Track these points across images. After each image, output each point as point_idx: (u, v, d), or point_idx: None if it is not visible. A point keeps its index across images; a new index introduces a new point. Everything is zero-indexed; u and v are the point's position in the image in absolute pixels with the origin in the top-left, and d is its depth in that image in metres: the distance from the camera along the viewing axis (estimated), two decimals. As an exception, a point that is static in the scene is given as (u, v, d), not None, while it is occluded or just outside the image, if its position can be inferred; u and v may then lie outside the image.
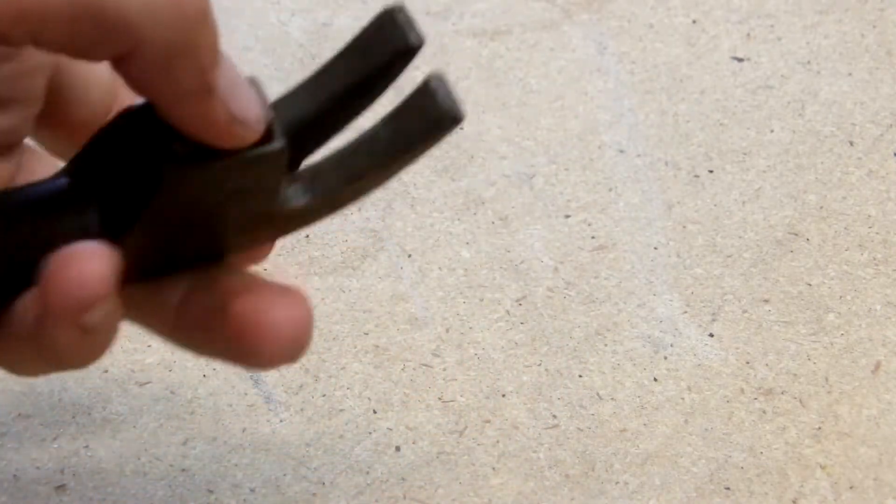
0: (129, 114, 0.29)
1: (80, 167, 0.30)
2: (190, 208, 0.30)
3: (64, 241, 0.28)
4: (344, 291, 0.50)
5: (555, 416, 0.47)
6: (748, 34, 0.59)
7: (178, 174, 0.28)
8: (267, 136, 0.29)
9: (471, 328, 0.49)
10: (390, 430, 0.46)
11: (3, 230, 0.29)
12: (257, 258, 0.35)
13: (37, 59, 0.31)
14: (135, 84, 0.27)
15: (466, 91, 0.57)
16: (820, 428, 0.46)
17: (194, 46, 0.27)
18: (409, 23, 0.31)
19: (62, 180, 0.30)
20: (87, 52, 0.26)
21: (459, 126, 0.30)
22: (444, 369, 0.48)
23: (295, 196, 0.31)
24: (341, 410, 0.47)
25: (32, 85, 0.32)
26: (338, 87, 0.31)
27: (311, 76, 0.31)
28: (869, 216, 0.53)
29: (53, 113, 0.33)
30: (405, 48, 0.31)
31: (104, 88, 0.34)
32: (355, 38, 0.31)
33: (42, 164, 0.34)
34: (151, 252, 0.30)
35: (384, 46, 0.31)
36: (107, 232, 0.29)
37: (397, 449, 0.46)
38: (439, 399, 0.47)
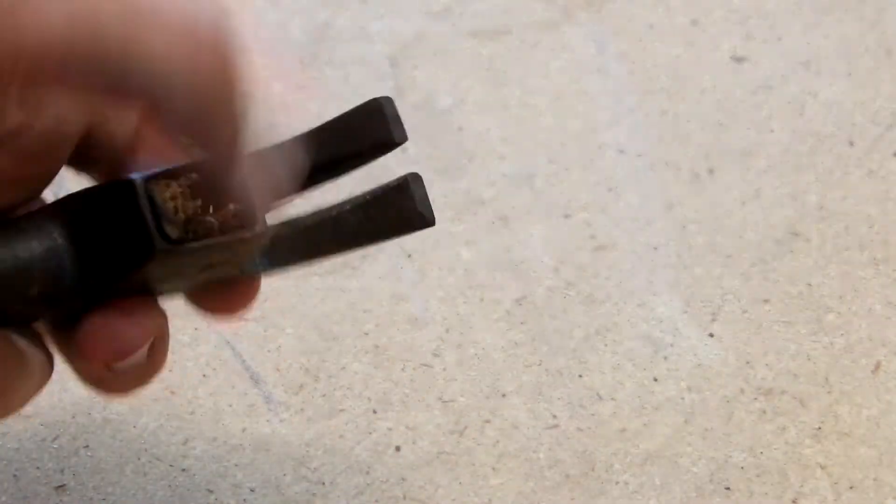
0: (119, 184, 0.29)
1: (66, 215, 0.30)
2: (163, 278, 0.30)
3: (39, 282, 0.29)
4: (344, 291, 0.50)
5: (555, 416, 0.47)
6: (748, 34, 0.59)
7: (167, 253, 0.29)
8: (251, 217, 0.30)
9: (471, 328, 0.49)
10: (390, 430, 0.46)
11: None
12: (237, 305, 0.34)
13: (68, 119, 0.30)
14: (170, 127, 0.26)
15: (466, 91, 0.57)
16: (820, 428, 0.46)
17: (222, 69, 0.26)
18: (396, 118, 0.31)
19: (44, 226, 0.30)
20: (115, 95, 0.25)
21: (430, 227, 0.31)
22: (444, 369, 0.48)
23: (254, 264, 0.32)
24: (341, 410, 0.47)
25: (61, 143, 0.31)
26: (311, 160, 0.31)
27: (287, 142, 0.32)
28: (869, 216, 0.53)
29: (88, 156, 0.32)
30: (387, 143, 0.31)
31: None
32: (339, 117, 0.31)
33: None
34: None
35: (366, 135, 0.31)
36: (78, 284, 0.29)
37: (397, 449, 0.46)
38: (439, 399, 0.47)
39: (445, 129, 0.56)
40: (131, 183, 0.29)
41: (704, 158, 0.55)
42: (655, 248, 0.52)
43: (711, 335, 0.49)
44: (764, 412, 0.47)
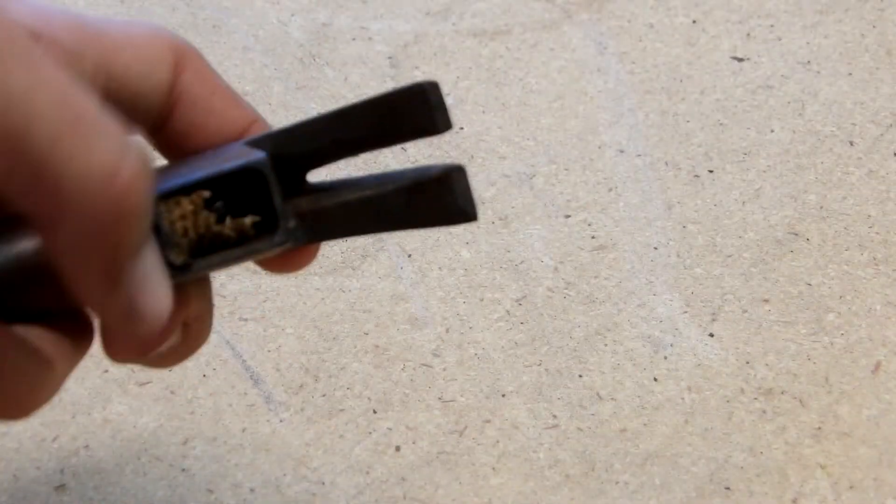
0: None
1: None
2: (195, 280, 0.31)
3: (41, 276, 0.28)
4: (344, 291, 0.50)
5: (555, 416, 0.47)
6: (748, 34, 0.59)
7: (175, 278, 0.29)
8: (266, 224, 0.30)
9: (471, 328, 0.49)
10: (390, 430, 0.46)
11: None
12: (299, 264, 0.34)
13: None
14: (49, 248, 0.26)
15: (466, 91, 0.57)
16: (820, 428, 0.46)
17: (116, 237, 0.25)
18: (441, 105, 0.31)
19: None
20: (15, 197, 0.24)
21: (473, 222, 0.31)
22: (444, 369, 0.48)
23: (289, 239, 0.31)
24: (341, 410, 0.47)
25: None
26: (349, 136, 0.31)
27: (327, 115, 0.31)
28: (869, 216, 0.53)
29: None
30: (429, 130, 0.31)
31: (160, 80, 0.32)
32: (383, 97, 0.31)
33: None
34: None
35: (409, 120, 0.31)
36: None
37: (397, 449, 0.46)
38: (439, 399, 0.47)
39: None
40: None
41: (704, 158, 0.55)
42: (655, 248, 0.52)
43: (711, 335, 0.49)
44: (764, 412, 0.47)
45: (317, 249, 0.33)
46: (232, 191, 0.29)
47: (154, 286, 0.27)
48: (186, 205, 0.29)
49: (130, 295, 0.26)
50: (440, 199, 0.30)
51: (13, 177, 0.24)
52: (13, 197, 0.25)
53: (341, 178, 0.32)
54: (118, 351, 0.29)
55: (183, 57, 0.31)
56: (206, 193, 0.29)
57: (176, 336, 0.30)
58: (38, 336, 0.28)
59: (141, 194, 0.25)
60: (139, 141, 0.26)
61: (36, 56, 0.23)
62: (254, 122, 0.32)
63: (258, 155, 0.29)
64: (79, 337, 0.30)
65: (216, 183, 0.29)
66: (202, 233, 0.29)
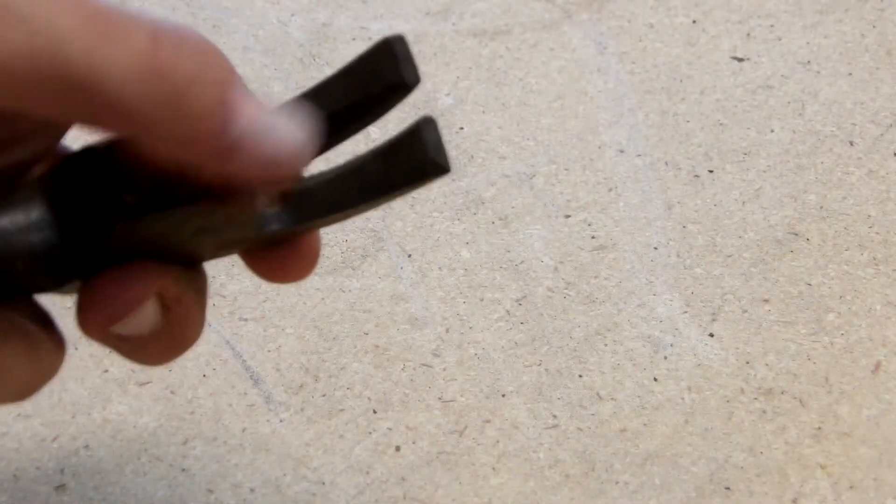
0: (92, 150, 0.29)
1: (51, 186, 0.29)
2: (150, 244, 0.29)
3: (24, 255, 0.28)
4: (344, 291, 0.50)
5: (555, 416, 0.47)
6: (748, 34, 0.59)
7: (129, 225, 0.28)
8: None
9: (471, 328, 0.49)
10: (390, 430, 0.46)
11: None
12: (300, 270, 0.33)
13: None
14: (157, 157, 0.25)
15: (466, 91, 0.57)
16: (820, 428, 0.46)
17: (194, 115, 0.25)
18: (407, 57, 0.30)
19: (34, 196, 0.29)
20: (88, 123, 0.24)
21: (446, 175, 0.30)
22: (444, 369, 0.48)
23: (273, 221, 0.31)
24: (341, 410, 0.47)
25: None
26: (326, 111, 0.30)
27: (302, 94, 0.31)
28: (869, 216, 0.53)
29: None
30: (398, 84, 0.30)
31: None
32: (351, 62, 0.30)
33: None
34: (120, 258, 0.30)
35: (377, 78, 0.30)
36: (68, 255, 0.29)
37: (397, 449, 0.46)
38: (439, 399, 0.47)
39: (445, 129, 0.56)
40: (98, 148, 0.28)
41: (704, 158, 0.55)
42: (655, 248, 0.52)
43: (711, 335, 0.49)
44: (764, 412, 0.47)
45: (313, 254, 0.32)
46: None
47: (274, 124, 0.26)
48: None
49: (256, 147, 0.26)
50: (413, 155, 0.30)
51: (69, 105, 0.24)
52: (83, 124, 0.24)
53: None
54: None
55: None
56: None
57: (153, 315, 0.29)
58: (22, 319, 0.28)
59: (187, 60, 0.24)
60: (174, 22, 0.25)
61: None
62: None
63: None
64: (51, 332, 0.30)
65: None
66: (161, 182, 0.28)
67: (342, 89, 0.30)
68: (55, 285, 0.30)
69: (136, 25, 0.24)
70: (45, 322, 0.30)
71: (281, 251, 0.31)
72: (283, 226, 0.31)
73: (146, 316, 0.29)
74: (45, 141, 0.29)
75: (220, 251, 0.32)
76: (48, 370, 0.29)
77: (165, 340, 0.30)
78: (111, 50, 0.24)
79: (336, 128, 0.30)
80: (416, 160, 0.29)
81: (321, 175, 0.31)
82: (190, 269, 0.31)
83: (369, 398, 0.47)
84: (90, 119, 0.24)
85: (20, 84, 0.23)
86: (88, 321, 0.29)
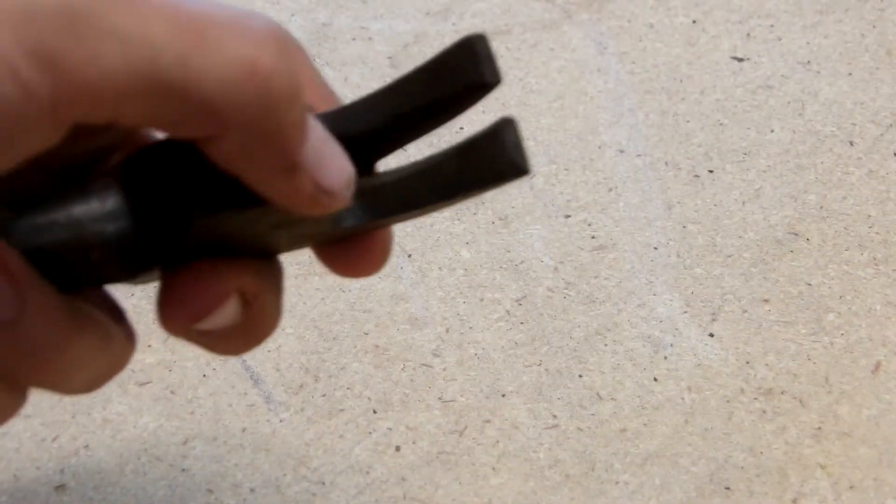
0: (173, 143, 0.29)
1: (128, 176, 0.29)
2: (227, 237, 0.29)
3: (102, 246, 0.28)
4: (344, 291, 0.50)
5: (555, 416, 0.47)
6: (748, 34, 0.59)
7: (208, 218, 0.28)
8: None
9: (471, 328, 0.49)
10: (390, 430, 0.46)
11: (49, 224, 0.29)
12: (369, 266, 0.33)
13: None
14: (221, 161, 0.26)
15: (466, 91, 0.57)
16: (820, 428, 0.46)
17: (279, 128, 0.25)
18: (489, 57, 0.30)
19: (111, 185, 0.29)
20: (172, 130, 0.25)
21: (525, 176, 0.30)
22: (444, 369, 0.48)
23: (347, 216, 0.31)
24: (341, 410, 0.47)
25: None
26: (405, 107, 0.30)
27: (382, 89, 0.31)
28: (869, 216, 0.53)
29: None
30: (479, 84, 0.30)
31: None
32: (433, 59, 0.30)
33: None
34: (197, 254, 0.30)
35: (457, 77, 0.30)
36: (143, 245, 0.29)
37: (397, 449, 0.46)
38: (439, 399, 0.47)
39: (445, 128, 0.56)
40: (177, 141, 0.28)
41: (704, 158, 0.55)
42: (655, 248, 0.52)
43: (711, 335, 0.49)
44: (764, 412, 0.47)
45: (384, 250, 0.32)
46: None
47: (331, 157, 0.27)
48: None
49: (312, 172, 0.26)
50: (491, 154, 0.30)
51: (159, 113, 0.24)
52: (166, 130, 0.25)
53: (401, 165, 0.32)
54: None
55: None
56: None
57: (234, 311, 0.29)
58: (62, 298, 0.28)
59: (285, 75, 0.25)
60: (266, 20, 0.26)
61: None
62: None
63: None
64: (121, 321, 0.30)
65: None
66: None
67: (421, 86, 0.30)
68: (129, 276, 0.29)
69: (235, 32, 0.24)
70: (117, 313, 0.30)
71: (353, 246, 0.32)
72: (357, 222, 0.31)
73: (228, 312, 0.29)
74: (124, 129, 0.30)
75: (295, 245, 0.32)
76: (119, 362, 0.29)
77: (245, 333, 0.30)
78: (206, 59, 0.24)
79: (412, 125, 0.31)
80: (495, 161, 0.29)
81: (396, 172, 0.31)
82: (266, 262, 0.31)
83: (369, 398, 0.47)
84: (177, 126, 0.25)
85: (114, 98, 0.23)
86: (172, 319, 0.29)
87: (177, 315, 0.29)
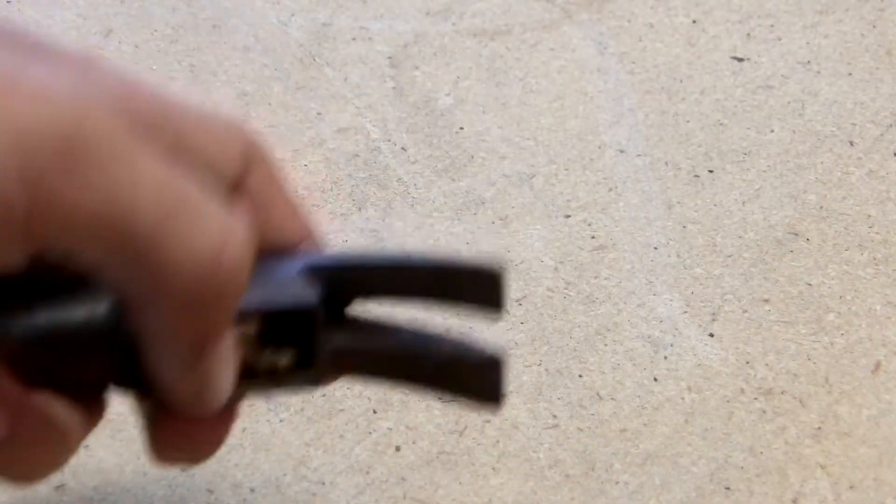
0: None
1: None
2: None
3: (82, 347, 0.28)
4: (344, 291, 0.50)
5: (555, 416, 0.47)
6: (748, 34, 0.59)
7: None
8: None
9: (470, 328, 0.49)
10: (390, 430, 0.46)
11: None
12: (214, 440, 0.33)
13: None
14: (136, 321, 0.26)
15: (466, 91, 0.57)
16: (820, 428, 0.46)
17: (212, 317, 0.26)
18: (503, 292, 0.31)
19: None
20: (118, 282, 0.25)
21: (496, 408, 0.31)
22: (444, 369, 0.48)
23: (322, 377, 0.31)
24: (341, 410, 0.47)
25: None
26: (409, 288, 0.31)
27: (392, 262, 0.31)
28: (869, 216, 0.53)
29: None
30: (489, 309, 0.31)
31: (229, 171, 0.32)
32: (454, 266, 0.31)
33: None
34: None
35: (473, 295, 0.31)
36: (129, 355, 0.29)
37: (397, 449, 0.46)
38: (439, 399, 0.47)
39: (445, 129, 0.56)
40: None
41: (704, 158, 0.55)
42: (655, 248, 0.52)
43: (711, 335, 0.49)
44: (764, 412, 0.47)
45: (221, 440, 0.32)
46: (275, 319, 0.29)
47: (227, 367, 0.28)
48: (234, 332, 0.28)
49: (207, 373, 0.27)
50: (472, 383, 0.31)
51: (113, 261, 0.24)
52: (108, 277, 0.25)
53: (382, 320, 0.32)
54: (165, 449, 0.30)
55: (255, 156, 0.31)
56: (254, 328, 0.29)
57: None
58: (56, 407, 0.28)
59: (239, 282, 0.25)
60: (242, 216, 0.26)
61: (135, 150, 0.24)
62: (307, 236, 0.32)
63: (311, 297, 0.29)
64: (94, 409, 0.30)
65: (264, 313, 0.29)
66: (240, 359, 0.29)
67: (434, 281, 0.31)
68: (115, 377, 0.29)
69: (209, 218, 0.25)
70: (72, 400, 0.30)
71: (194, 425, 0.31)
72: (323, 382, 0.31)
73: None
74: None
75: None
76: (68, 455, 0.30)
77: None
78: (177, 235, 0.24)
79: (405, 296, 0.31)
80: (475, 390, 0.31)
81: (373, 339, 0.32)
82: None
83: (369, 398, 0.47)
84: (123, 281, 0.25)
85: (84, 233, 0.24)
86: (172, 461, 0.31)
87: (176, 458, 0.31)
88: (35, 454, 0.28)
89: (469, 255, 0.31)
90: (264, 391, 0.30)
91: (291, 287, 0.29)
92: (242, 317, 0.28)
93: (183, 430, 0.30)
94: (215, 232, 0.25)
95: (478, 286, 0.31)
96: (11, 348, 0.27)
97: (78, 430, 0.29)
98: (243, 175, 0.31)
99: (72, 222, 0.24)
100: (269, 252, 0.31)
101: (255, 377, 0.29)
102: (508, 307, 0.32)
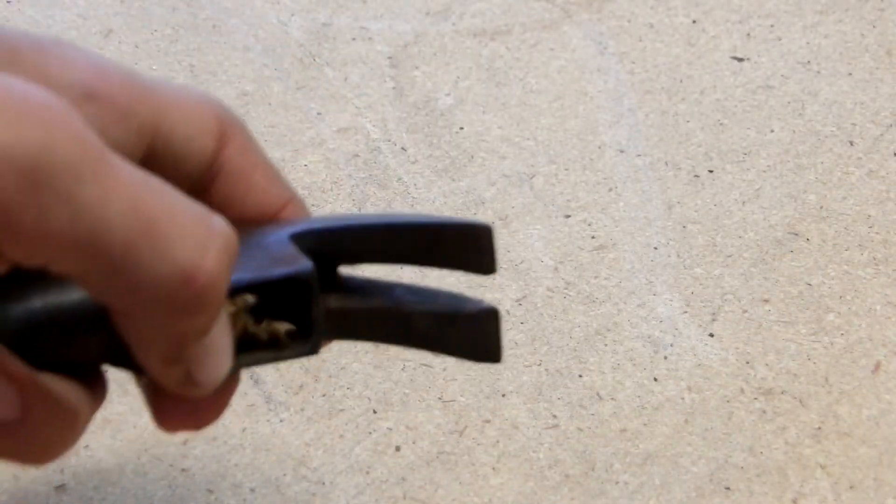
0: None
1: None
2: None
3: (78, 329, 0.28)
4: (344, 291, 0.50)
5: (555, 416, 0.47)
6: (748, 34, 0.59)
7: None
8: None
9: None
10: (390, 430, 0.46)
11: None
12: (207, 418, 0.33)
13: (138, 121, 0.30)
14: (116, 322, 0.26)
15: (466, 91, 0.57)
16: (820, 428, 0.46)
17: (185, 328, 0.26)
18: (493, 250, 0.31)
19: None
20: (92, 292, 0.25)
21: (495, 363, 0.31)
22: (444, 369, 0.48)
23: (319, 341, 0.31)
24: (341, 410, 0.47)
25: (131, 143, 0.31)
26: (397, 249, 0.31)
27: (380, 224, 0.31)
28: (869, 216, 0.53)
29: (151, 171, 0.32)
30: (476, 269, 0.31)
31: (205, 146, 0.32)
32: (439, 225, 0.31)
33: None
34: None
35: (459, 254, 0.31)
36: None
37: (397, 449, 0.46)
38: (439, 399, 0.47)
39: (445, 129, 0.56)
40: None
41: (704, 158, 0.55)
42: (655, 248, 0.52)
43: (711, 335, 0.49)
44: (764, 412, 0.47)
45: (223, 408, 0.32)
46: (271, 290, 0.29)
47: (215, 352, 0.28)
48: (229, 306, 0.28)
49: (190, 365, 0.27)
50: (468, 336, 0.31)
51: (88, 277, 0.25)
52: (86, 288, 0.25)
53: (373, 280, 0.32)
54: (166, 420, 0.30)
55: (229, 128, 0.31)
56: (251, 299, 0.29)
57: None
58: (63, 386, 0.28)
59: (219, 290, 0.25)
60: (222, 226, 0.26)
61: (105, 169, 0.24)
62: (290, 200, 0.32)
63: (306, 265, 0.29)
64: (97, 389, 0.30)
65: (259, 285, 0.29)
66: (237, 333, 0.29)
67: (421, 241, 0.31)
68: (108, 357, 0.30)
69: (184, 233, 0.25)
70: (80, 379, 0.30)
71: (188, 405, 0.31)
72: (319, 346, 0.31)
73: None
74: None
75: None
76: (79, 429, 0.30)
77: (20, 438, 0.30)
78: (150, 253, 0.24)
79: (394, 258, 0.31)
80: (472, 343, 0.32)
81: (367, 298, 0.32)
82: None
83: (369, 398, 0.47)
84: (97, 292, 0.25)
85: (49, 251, 0.24)
86: (175, 429, 0.31)
87: (180, 426, 0.31)
88: (47, 434, 0.28)
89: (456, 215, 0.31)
90: (263, 361, 0.30)
91: (284, 256, 0.29)
92: (237, 290, 0.29)
93: (182, 404, 0.30)
94: (192, 244, 0.25)
95: (467, 245, 0.30)
96: (12, 333, 0.27)
97: (85, 409, 0.29)
98: (219, 147, 0.31)
99: (40, 244, 0.24)
100: (254, 220, 0.31)
101: (253, 349, 0.29)
102: (494, 267, 0.31)
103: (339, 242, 0.31)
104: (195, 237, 0.25)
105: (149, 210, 0.24)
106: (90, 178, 0.24)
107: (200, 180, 0.31)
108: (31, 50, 0.27)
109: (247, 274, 0.29)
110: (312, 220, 0.32)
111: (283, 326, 0.30)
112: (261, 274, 0.29)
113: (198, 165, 0.31)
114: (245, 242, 0.29)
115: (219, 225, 0.26)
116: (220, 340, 0.28)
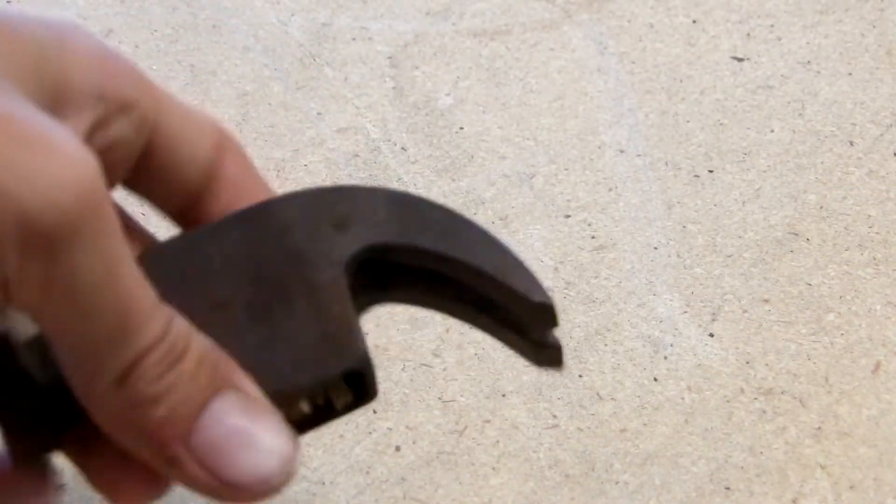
0: None
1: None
2: None
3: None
4: (344, 291, 0.50)
5: (555, 416, 0.47)
6: (748, 34, 0.59)
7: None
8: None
9: (471, 328, 0.49)
10: (390, 430, 0.46)
11: None
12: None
13: (137, 119, 0.30)
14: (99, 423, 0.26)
15: (466, 91, 0.57)
16: (820, 428, 0.46)
17: (140, 431, 0.25)
18: (556, 323, 0.31)
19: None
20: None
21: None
22: (444, 369, 0.48)
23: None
24: (341, 410, 0.47)
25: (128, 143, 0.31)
26: (464, 291, 0.32)
27: (462, 261, 0.32)
28: (869, 216, 0.53)
29: (149, 170, 0.31)
30: (532, 338, 0.32)
31: (203, 152, 0.32)
32: (520, 296, 0.31)
33: None
34: None
35: (520, 323, 0.32)
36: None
37: (397, 449, 0.46)
38: (439, 399, 0.47)
39: (445, 129, 0.56)
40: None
41: (704, 158, 0.55)
42: (655, 248, 0.52)
43: (711, 335, 0.49)
44: (764, 412, 0.47)
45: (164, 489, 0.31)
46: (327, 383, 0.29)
47: (239, 446, 0.26)
48: (286, 411, 0.28)
49: (208, 464, 0.26)
50: (532, 344, 0.32)
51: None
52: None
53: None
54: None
55: (226, 140, 0.31)
56: (306, 409, 0.29)
57: None
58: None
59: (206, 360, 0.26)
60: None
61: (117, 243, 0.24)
62: None
63: (362, 354, 0.29)
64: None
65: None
66: (294, 418, 0.29)
67: (492, 295, 0.31)
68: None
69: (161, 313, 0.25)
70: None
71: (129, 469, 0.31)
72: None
73: None
74: None
75: None
76: None
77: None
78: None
79: (449, 300, 0.31)
80: (534, 351, 0.32)
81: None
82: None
83: (369, 398, 0.47)
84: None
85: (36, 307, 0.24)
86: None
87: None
88: None
89: (523, 271, 0.31)
90: (321, 425, 0.30)
91: (338, 331, 0.29)
92: (291, 396, 0.28)
93: (132, 469, 0.29)
94: (159, 325, 0.25)
95: (530, 318, 0.31)
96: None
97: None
98: (218, 161, 0.31)
99: (35, 302, 0.24)
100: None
101: (310, 424, 0.29)
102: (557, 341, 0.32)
103: (391, 263, 0.31)
104: (164, 322, 0.26)
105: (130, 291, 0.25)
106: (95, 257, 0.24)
107: (196, 187, 0.31)
108: (53, 48, 0.27)
109: (302, 375, 0.28)
110: (364, 226, 0.31)
111: (342, 399, 0.29)
112: (317, 373, 0.28)
113: (195, 171, 0.31)
114: (283, 277, 0.28)
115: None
116: (235, 430, 0.26)
